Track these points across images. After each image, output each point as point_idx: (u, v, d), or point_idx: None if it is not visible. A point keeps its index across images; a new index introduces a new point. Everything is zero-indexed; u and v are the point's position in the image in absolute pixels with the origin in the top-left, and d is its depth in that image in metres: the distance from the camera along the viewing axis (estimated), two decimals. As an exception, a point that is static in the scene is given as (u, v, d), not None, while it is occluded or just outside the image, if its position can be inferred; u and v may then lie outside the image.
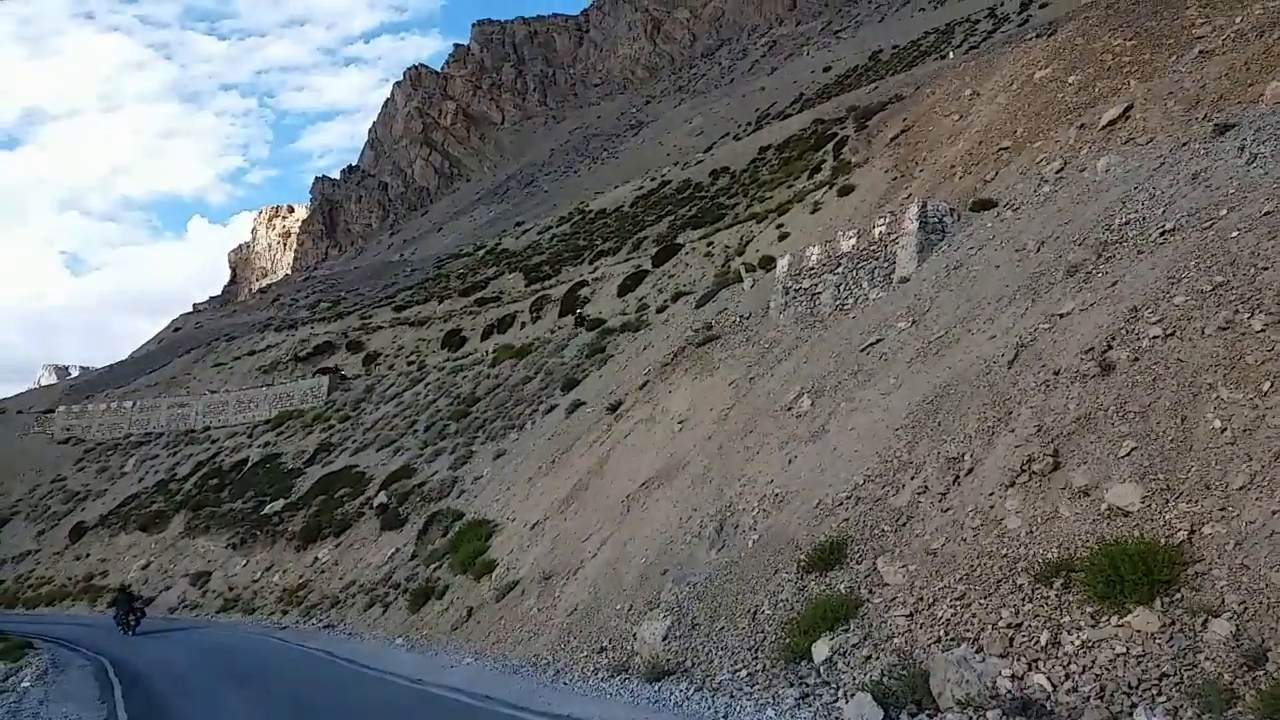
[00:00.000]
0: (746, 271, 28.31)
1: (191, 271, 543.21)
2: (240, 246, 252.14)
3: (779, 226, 33.70)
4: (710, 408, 18.31)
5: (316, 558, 29.23)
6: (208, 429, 54.37)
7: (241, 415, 53.76)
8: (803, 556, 10.80)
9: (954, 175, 21.80)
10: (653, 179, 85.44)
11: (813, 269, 20.18)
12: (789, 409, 15.33)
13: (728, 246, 37.95)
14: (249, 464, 44.41)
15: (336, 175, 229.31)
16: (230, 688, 15.19)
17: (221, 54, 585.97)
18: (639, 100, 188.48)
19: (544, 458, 23.35)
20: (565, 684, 12.27)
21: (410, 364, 51.94)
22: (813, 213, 31.79)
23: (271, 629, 25.48)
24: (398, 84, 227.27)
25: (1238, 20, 16.31)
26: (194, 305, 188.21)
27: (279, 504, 35.76)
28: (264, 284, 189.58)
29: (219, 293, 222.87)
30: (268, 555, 32.02)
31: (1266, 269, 8.78)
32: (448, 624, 18.29)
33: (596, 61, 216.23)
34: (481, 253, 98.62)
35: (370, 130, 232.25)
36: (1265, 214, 9.65)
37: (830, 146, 43.40)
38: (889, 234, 18.54)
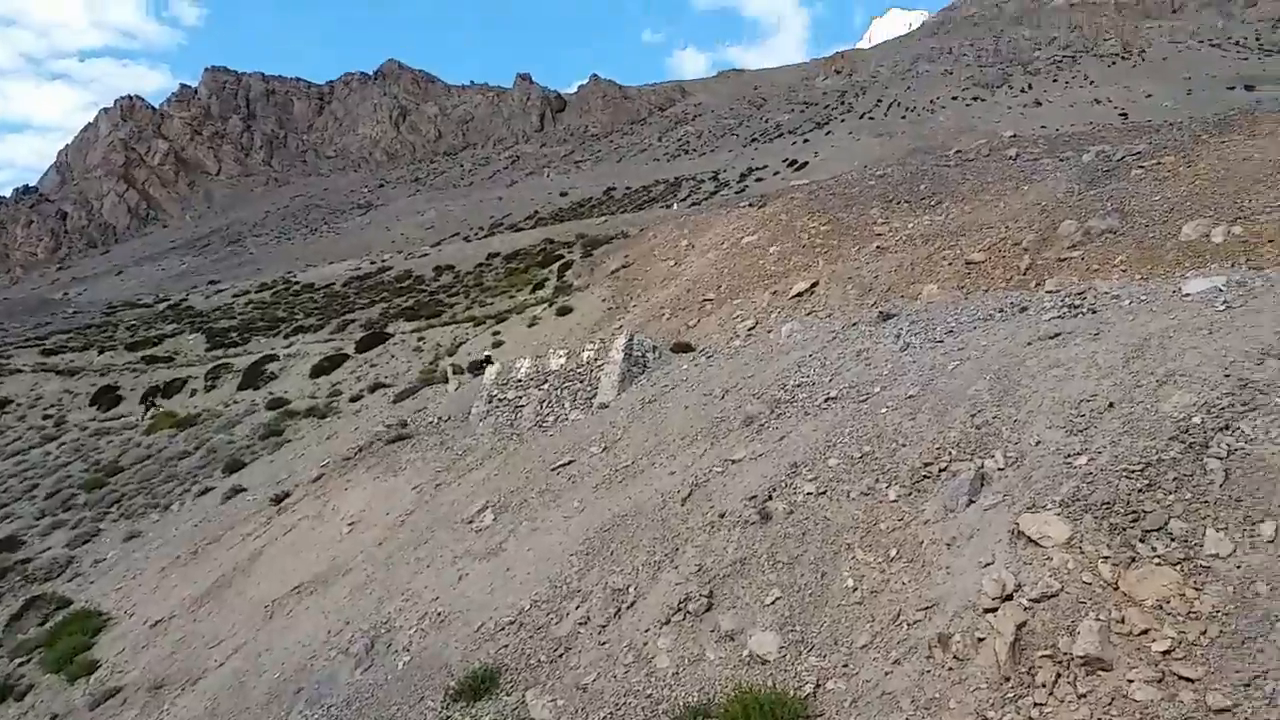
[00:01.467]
0: (454, 373, 27.72)
1: None
2: None
3: (495, 334, 33.71)
4: (387, 511, 17.16)
5: None
6: None
7: None
8: (453, 683, 10.06)
9: (662, 316, 23.16)
10: (373, 262, 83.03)
11: (520, 381, 20.11)
12: (470, 522, 14.71)
13: (439, 344, 37.17)
14: None
15: (8, 193, 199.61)
16: None
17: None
18: (373, 182, 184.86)
19: (185, 546, 20.49)
20: (148, 825, 10.25)
21: (47, 418, 44.38)
22: (530, 326, 32.23)
23: None
24: (105, 110, 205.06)
25: (910, 226, 19.23)
26: None
27: None
28: None
29: None
30: None
31: (904, 445, 9.89)
32: (15, 739, 14.94)
33: (334, 135, 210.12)
34: (163, 306, 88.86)
35: (61, 152, 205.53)
36: (909, 396, 10.99)
37: (556, 267, 44.82)
38: (596, 360, 19.04)
